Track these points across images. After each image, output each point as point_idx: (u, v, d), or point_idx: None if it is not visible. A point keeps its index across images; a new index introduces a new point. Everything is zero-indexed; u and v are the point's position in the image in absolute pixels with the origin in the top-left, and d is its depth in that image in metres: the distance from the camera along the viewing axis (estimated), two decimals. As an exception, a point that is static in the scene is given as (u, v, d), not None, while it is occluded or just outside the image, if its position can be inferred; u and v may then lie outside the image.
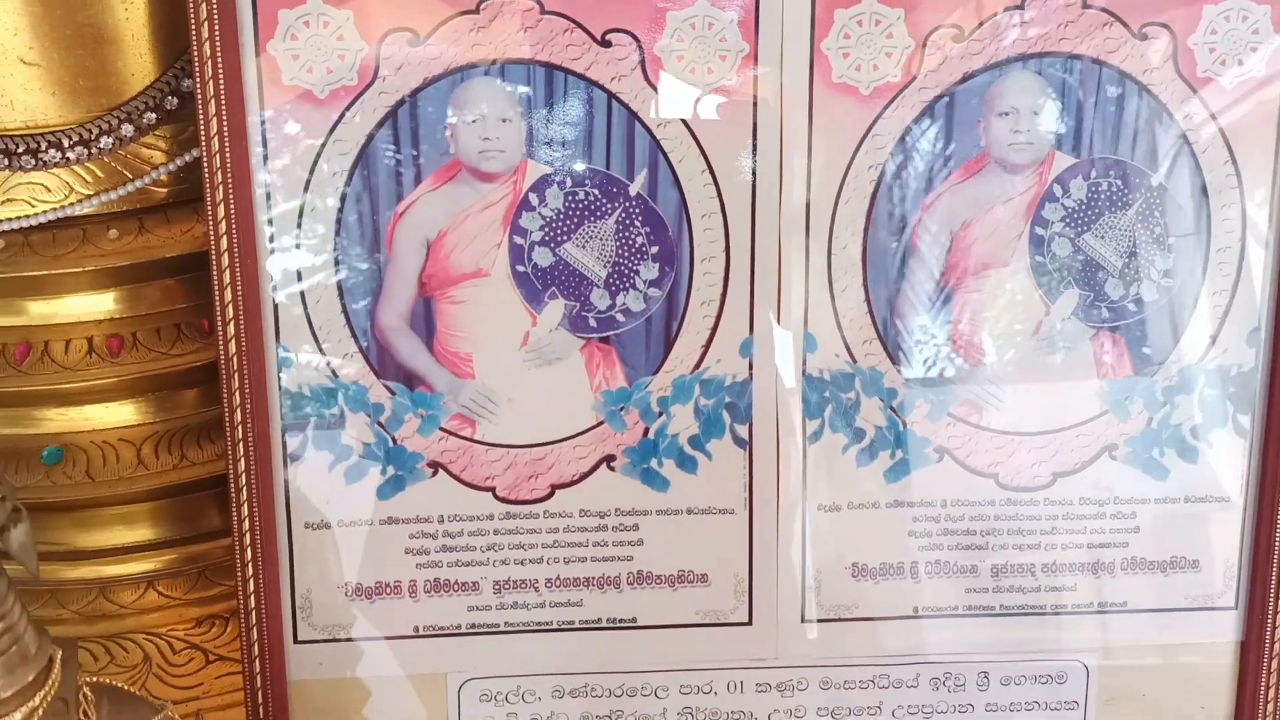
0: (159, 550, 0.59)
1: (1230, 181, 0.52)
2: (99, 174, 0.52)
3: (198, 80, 0.46)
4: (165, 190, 0.54)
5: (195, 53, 0.46)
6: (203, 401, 0.57)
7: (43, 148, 0.50)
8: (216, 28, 0.46)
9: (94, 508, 0.58)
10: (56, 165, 0.51)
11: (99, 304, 0.54)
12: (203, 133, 0.47)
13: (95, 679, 0.40)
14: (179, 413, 0.57)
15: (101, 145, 0.51)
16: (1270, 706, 0.56)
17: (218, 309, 0.48)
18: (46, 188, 0.52)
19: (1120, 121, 0.51)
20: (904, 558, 0.54)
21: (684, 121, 0.49)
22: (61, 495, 0.55)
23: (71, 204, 0.52)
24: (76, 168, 0.52)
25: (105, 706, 0.38)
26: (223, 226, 0.48)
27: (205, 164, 0.47)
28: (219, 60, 0.46)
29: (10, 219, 0.51)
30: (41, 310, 0.53)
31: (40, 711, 0.36)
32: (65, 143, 0.50)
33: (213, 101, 0.46)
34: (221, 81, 0.46)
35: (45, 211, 0.52)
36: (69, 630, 0.56)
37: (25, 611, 0.36)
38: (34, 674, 0.36)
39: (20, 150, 0.50)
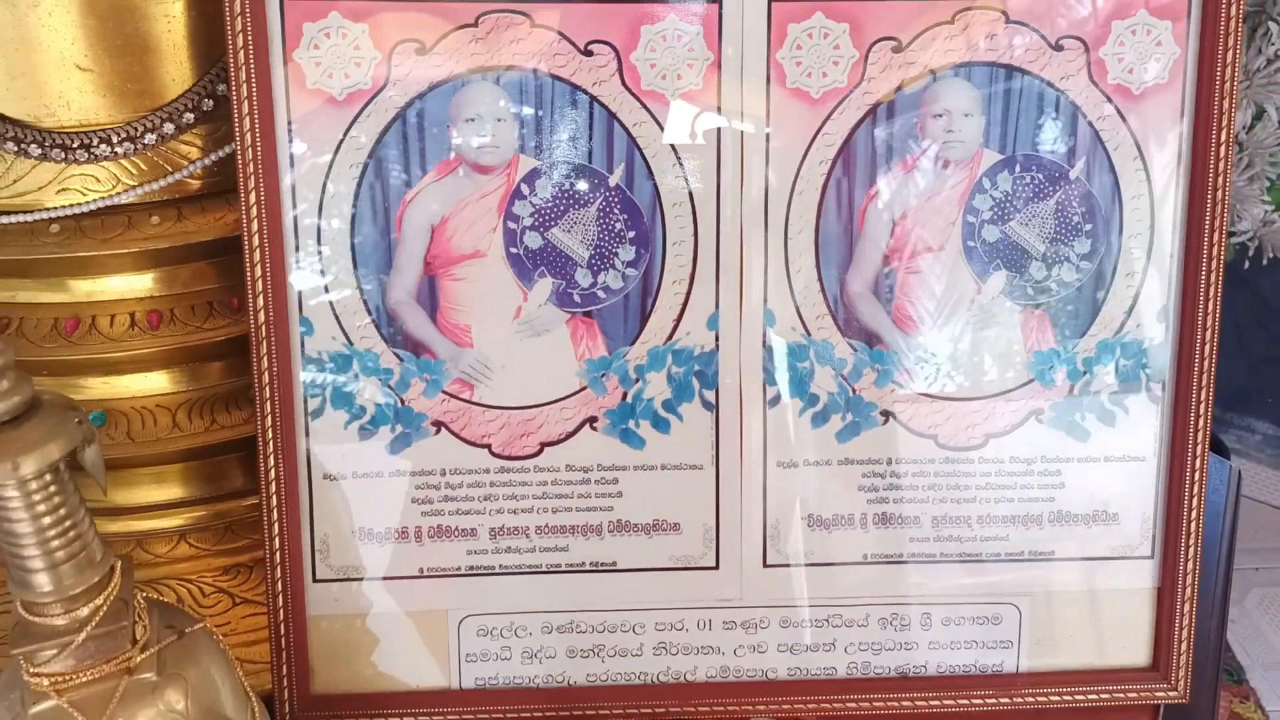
0: (189, 507, 0.66)
1: (1139, 176, 0.59)
2: (143, 167, 0.59)
3: (233, 84, 0.53)
4: (199, 182, 0.61)
5: (231, 60, 0.53)
6: (230, 372, 0.64)
7: (94, 143, 0.57)
8: (250, 39, 0.53)
9: (133, 467, 0.64)
10: (106, 159, 0.58)
11: (141, 283, 0.61)
12: (237, 129, 0.54)
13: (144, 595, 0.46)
14: (209, 382, 0.64)
15: (146, 142, 0.58)
16: (1184, 646, 0.62)
17: (248, 283, 0.55)
18: (97, 179, 0.59)
19: (1041, 123, 0.58)
20: (854, 510, 0.61)
21: (657, 121, 0.56)
22: (105, 455, 0.62)
23: (118, 193, 0.59)
24: (123, 161, 0.59)
25: (155, 613, 0.45)
26: (254, 211, 0.55)
27: (239, 156, 0.54)
28: (252, 67, 0.53)
29: (65, 206, 0.58)
30: (90, 288, 0.60)
31: (104, 609, 0.42)
32: (114, 139, 0.57)
33: (246, 102, 0.53)
34: (254, 85, 0.53)
35: (95, 200, 0.59)
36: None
37: (92, 522, 0.42)
38: (99, 576, 0.42)
39: (75, 145, 0.57)
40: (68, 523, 0.41)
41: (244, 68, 0.53)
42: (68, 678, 0.42)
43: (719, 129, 0.57)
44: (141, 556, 0.65)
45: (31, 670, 0.42)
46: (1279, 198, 1.76)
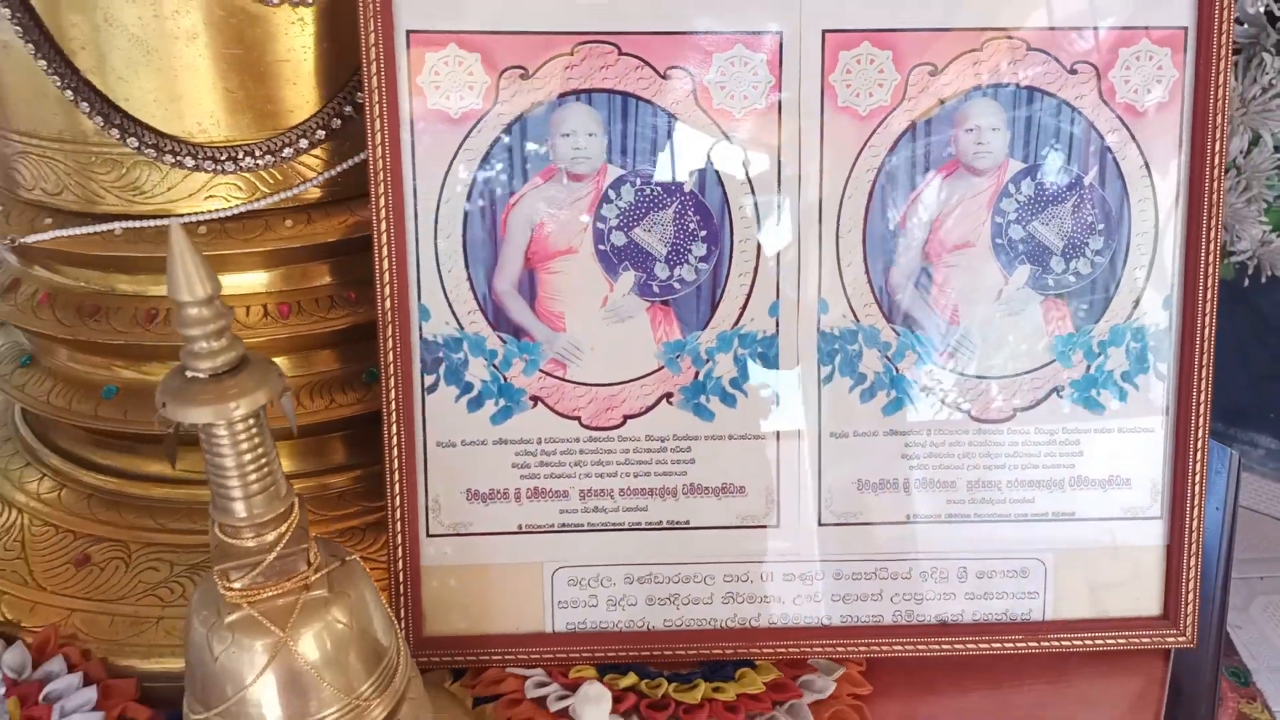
0: (305, 478, 0.75)
1: (1145, 181, 0.67)
2: (279, 177, 0.68)
3: (367, 105, 0.63)
4: (321, 191, 0.70)
5: (365, 85, 0.62)
6: (345, 358, 0.73)
7: (239, 156, 0.66)
8: (381, 67, 0.62)
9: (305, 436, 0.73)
10: (248, 170, 0.67)
11: (274, 279, 0.70)
12: (369, 144, 0.63)
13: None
14: (327, 366, 0.73)
15: (283, 155, 0.67)
16: (1191, 597, 0.70)
17: (376, 275, 0.64)
18: (239, 187, 0.68)
19: (1058, 136, 0.67)
20: (898, 475, 0.69)
21: (726, 135, 0.65)
22: (238, 429, 0.71)
23: (257, 200, 0.68)
24: (262, 172, 0.68)
25: (319, 543, 0.53)
26: (383, 214, 0.64)
27: (370, 167, 0.63)
28: (383, 91, 0.62)
29: (212, 211, 0.67)
30: (232, 282, 0.69)
31: (287, 535, 0.50)
32: (256, 153, 0.66)
33: (378, 121, 0.63)
34: (384, 106, 0.63)
35: (237, 205, 0.68)
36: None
37: (279, 463, 0.51)
38: (284, 508, 0.51)
39: (223, 158, 0.66)
40: (262, 460, 0.49)
41: (376, 91, 0.62)
42: (256, 592, 0.50)
43: (779, 142, 0.66)
44: (265, 522, 0.73)
45: (226, 585, 0.50)
46: (1276, 219, 1.85)
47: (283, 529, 0.51)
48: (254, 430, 0.49)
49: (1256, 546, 2.25)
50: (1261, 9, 1.65)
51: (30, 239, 0.68)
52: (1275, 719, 1.84)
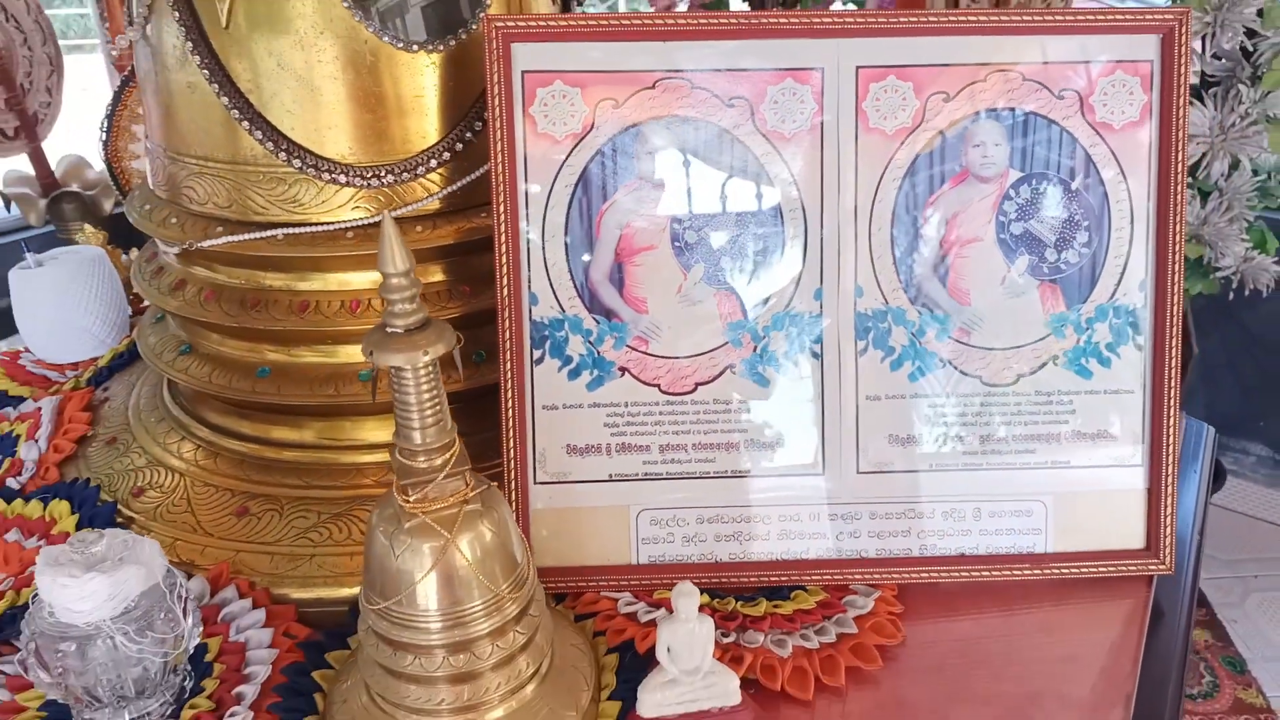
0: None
1: (1121, 187, 0.82)
2: (416, 190, 0.83)
3: (491, 130, 0.78)
4: (441, 203, 0.85)
5: (490, 113, 0.78)
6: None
7: (381, 175, 0.81)
8: (501, 100, 0.77)
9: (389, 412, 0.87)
10: (386, 186, 0.82)
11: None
12: (492, 162, 0.78)
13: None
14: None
15: (416, 174, 0.82)
16: (1168, 533, 0.84)
17: (496, 269, 0.79)
18: (378, 200, 0.83)
19: (1049, 149, 0.81)
20: (922, 431, 0.83)
21: (779, 152, 0.80)
22: (369, 396, 0.85)
23: (395, 209, 0.83)
24: (399, 187, 0.83)
25: (470, 472, 0.68)
26: (502, 219, 0.78)
27: (492, 179, 0.78)
28: (504, 118, 0.77)
29: (358, 219, 0.82)
30: (370, 278, 0.84)
31: (451, 460, 0.65)
32: (396, 171, 0.81)
33: (499, 143, 0.78)
34: (503, 131, 0.78)
35: (378, 215, 0.82)
36: (370, 493, 0.86)
37: (446, 402, 0.65)
38: (449, 439, 0.65)
39: (368, 176, 0.81)
40: (436, 400, 0.64)
41: (498, 120, 0.77)
42: (427, 505, 0.65)
43: (821, 157, 0.80)
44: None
45: (404, 499, 0.64)
46: (1257, 237, 2.01)
47: (447, 456, 0.65)
48: (431, 376, 0.63)
49: (1251, 548, 2.38)
50: (1238, 45, 1.82)
51: (207, 243, 0.83)
52: (1269, 703, 1.98)
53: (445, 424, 0.65)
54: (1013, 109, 0.80)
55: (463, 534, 0.65)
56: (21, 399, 1.10)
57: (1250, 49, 1.86)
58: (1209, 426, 1.08)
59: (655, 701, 0.70)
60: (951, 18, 0.78)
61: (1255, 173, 1.94)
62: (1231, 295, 2.03)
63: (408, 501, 0.65)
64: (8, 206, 2.20)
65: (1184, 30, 0.80)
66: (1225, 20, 1.81)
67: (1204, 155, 1.85)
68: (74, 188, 2.19)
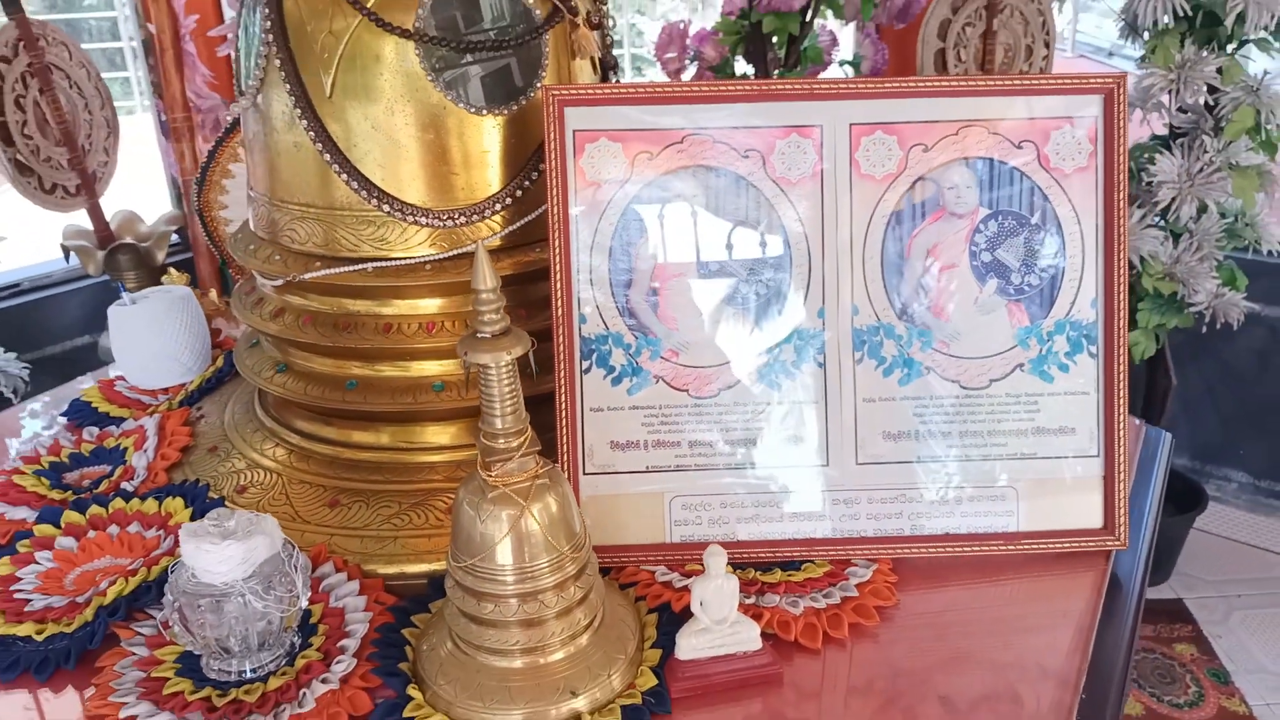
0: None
1: (1072, 221, 0.98)
2: (482, 230, 0.99)
3: (548, 178, 0.94)
4: (501, 240, 1.01)
5: (547, 164, 0.94)
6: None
7: (455, 216, 0.97)
8: (557, 154, 0.94)
9: (463, 418, 1.03)
10: (459, 226, 0.98)
11: (469, 300, 1.00)
12: (549, 204, 0.94)
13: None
14: (504, 364, 1.03)
15: (484, 215, 0.98)
16: (1122, 514, 0.99)
17: (553, 294, 0.94)
18: (451, 238, 0.99)
19: (1012, 191, 0.97)
20: (910, 428, 0.98)
21: (786, 195, 0.96)
22: (444, 405, 1.00)
23: (463, 246, 0.99)
24: (468, 226, 0.98)
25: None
26: (557, 252, 0.94)
27: (549, 219, 0.94)
28: (558, 169, 0.94)
29: (434, 254, 0.98)
30: (438, 304, 1.00)
31: (524, 443, 0.80)
32: (468, 214, 0.97)
33: (555, 189, 0.94)
34: (559, 179, 0.94)
35: (451, 251, 0.98)
36: (440, 486, 1.01)
37: (521, 396, 0.80)
38: (523, 425, 0.79)
39: (444, 217, 0.97)
40: (514, 393, 0.79)
41: (554, 170, 0.94)
42: (505, 479, 0.80)
43: (822, 198, 0.96)
44: (460, 473, 1.02)
45: (487, 474, 0.80)
46: (1227, 275, 2.17)
47: (522, 439, 0.81)
48: (511, 373, 0.79)
49: (1234, 569, 2.51)
50: (1201, 100, 2.01)
51: (308, 276, 0.98)
52: (1251, 710, 2.11)
53: (520, 413, 0.80)
54: (981, 158, 0.97)
55: (534, 503, 0.80)
56: (122, 419, 1.25)
57: (1212, 103, 2.04)
58: (1167, 433, 1.23)
59: (690, 646, 0.85)
60: (928, 83, 0.95)
61: (1223, 215, 2.11)
62: (1205, 329, 2.19)
63: (490, 476, 0.80)
64: (67, 257, 2.37)
65: (1121, 93, 0.96)
66: (1188, 77, 1.99)
67: (1173, 200, 2.03)
68: (129, 240, 2.37)
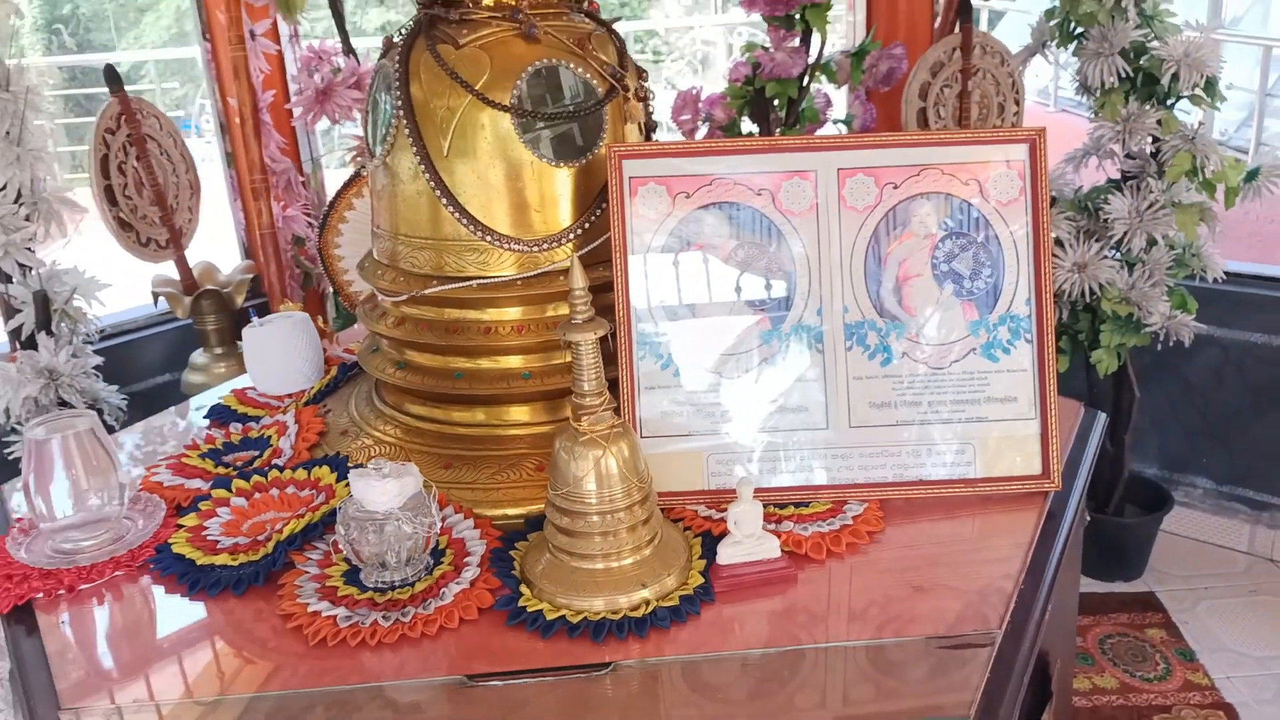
0: (555, 421, 1.34)
1: (1009, 240, 1.28)
2: (558, 253, 1.30)
3: (611, 214, 1.25)
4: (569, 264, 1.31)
5: (610, 204, 1.25)
6: (584, 353, 1.33)
7: (539, 244, 1.28)
8: (619, 196, 1.25)
9: (542, 399, 1.33)
10: (541, 251, 1.29)
11: (548, 308, 1.31)
12: (612, 233, 1.25)
13: (598, 415, 1.14)
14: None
15: (560, 242, 1.29)
16: (1055, 463, 1.28)
17: (615, 300, 1.25)
18: (536, 260, 1.29)
19: (962, 217, 1.28)
20: (891, 399, 1.28)
21: (791, 223, 1.27)
22: (529, 389, 1.30)
23: (544, 266, 1.29)
24: (548, 251, 1.29)
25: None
26: (619, 270, 1.25)
27: (612, 244, 1.25)
28: (619, 207, 1.25)
29: (523, 273, 1.29)
30: (529, 309, 1.30)
31: (604, 401, 1.10)
32: (546, 241, 1.28)
33: (617, 223, 1.25)
34: (619, 214, 1.25)
35: (535, 271, 1.29)
36: (526, 453, 1.30)
37: (602, 366, 1.10)
38: (604, 388, 1.10)
39: (530, 245, 1.28)
40: (597, 364, 1.09)
41: (615, 208, 1.25)
42: (591, 429, 1.10)
43: (818, 226, 1.27)
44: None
45: (577, 425, 1.09)
46: (1178, 300, 2.49)
47: (602, 399, 1.11)
48: (596, 349, 1.09)
49: (1200, 566, 2.78)
50: (1145, 147, 2.33)
51: (429, 291, 1.29)
52: (1214, 682, 2.40)
53: (602, 380, 1.11)
54: (937, 193, 1.28)
55: (611, 446, 1.10)
56: (257, 418, 1.55)
57: (1155, 150, 2.36)
58: (1101, 414, 1.52)
59: (727, 554, 1.14)
60: (895, 137, 1.26)
61: (1172, 248, 2.42)
62: (1161, 347, 2.49)
63: (579, 426, 1.10)
64: (156, 303, 2.70)
65: (1042, 141, 1.27)
66: (1134, 129, 2.32)
67: (1125, 233, 2.35)
68: (210, 286, 2.70)
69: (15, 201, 2.29)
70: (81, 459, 1.20)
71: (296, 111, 2.59)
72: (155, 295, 2.70)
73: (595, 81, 1.29)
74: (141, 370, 2.80)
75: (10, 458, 2.41)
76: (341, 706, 1.00)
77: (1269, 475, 2.77)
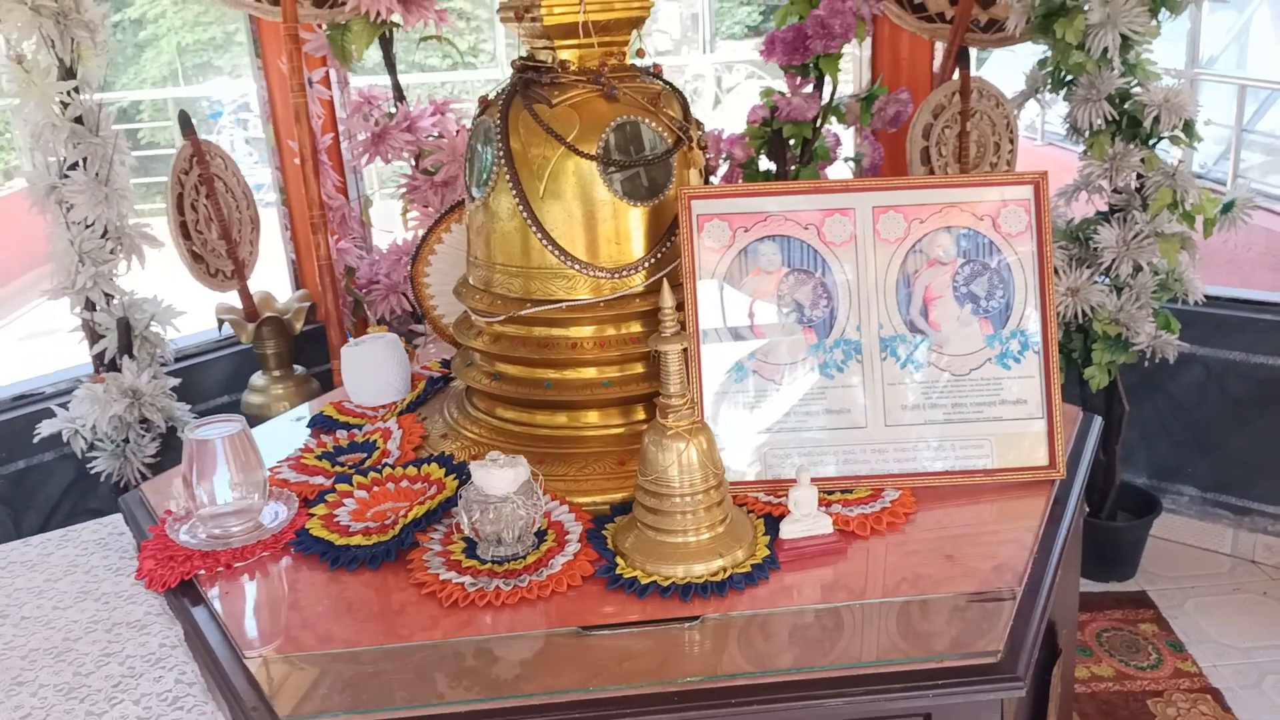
0: (629, 424, 1.56)
1: (1018, 265, 1.51)
2: (629, 281, 1.52)
3: (683, 246, 1.47)
4: (644, 287, 1.53)
5: (681, 238, 1.47)
6: (650, 364, 1.55)
7: (619, 272, 1.50)
8: (690, 230, 1.47)
9: (618, 405, 1.54)
10: (619, 277, 1.51)
11: (630, 327, 1.53)
12: (683, 261, 1.47)
13: (678, 414, 1.36)
14: (642, 369, 1.55)
15: (636, 270, 1.51)
16: (1060, 456, 1.50)
17: (686, 316, 1.47)
18: (613, 286, 1.51)
19: (978, 246, 1.51)
20: (920, 402, 1.50)
21: (835, 254, 1.50)
22: (609, 396, 1.52)
23: (620, 291, 1.51)
24: (625, 278, 1.51)
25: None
26: (690, 292, 1.47)
27: (683, 269, 1.47)
28: (690, 240, 1.47)
29: (601, 296, 1.51)
30: (609, 328, 1.52)
31: (687, 400, 1.31)
32: (624, 269, 1.50)
33: (688, 253, 1.47)
34: (690, 246, 1.47)
35: (615, 294, 1.51)
36: (607, 450, 1.52)
37: (687, 366, 1.32)
38: (686, 390, 1.32)
39: (611, 272, 1.50)
40: (682, 370, 1.31)
41: (686, 240, 1.47)
42: (675, 424, 1.31)
43: (856, 255, 1.50)
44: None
45: (664, 421, 1.31)
46: (1163, 321, 2.73)
47: (685, 400, 1.33)
48: (681, 357, 1.31)
49: (1188, 567, 3.01)
50: (1131, 183, 2.57)
51: (524, 313, 1.51)
52: (1201, 670, 2.64)
53: (685, 382, 1.33)
54: (957, 226, 1.51)
55: (692, 440, 1.32)
56: (359, 425, 1.77)
57: (1139, 186, 2.60)
58: (1098, 417, 1.75)
59: (788, 530, 1.36)
60: (921, 181, 1.49)
61: (1156, 273, 2.66)
62: (1147, 364, 2.72)
63: (666, 422, 1.32)
64: (220, 328, 2.91)
65: (1044, 183, 1.50)
66: (1120, 167, 2.57)
67: (1114, 261, 2.58)
68: (270, 314, 2.92)
69: (102, 236, 2.51)
70: (235, 456, 1.41)
71: (351, 151, 2.82)
72: (220, 321, 2.91)
73: (665, 133, 1.52)
74: (204, 392, 3.00)
75: (91, 472, 2.62)
76: (483, 652, 1.21)
77: (1249, 483, 3.00)
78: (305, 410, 1.91)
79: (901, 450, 1.50)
